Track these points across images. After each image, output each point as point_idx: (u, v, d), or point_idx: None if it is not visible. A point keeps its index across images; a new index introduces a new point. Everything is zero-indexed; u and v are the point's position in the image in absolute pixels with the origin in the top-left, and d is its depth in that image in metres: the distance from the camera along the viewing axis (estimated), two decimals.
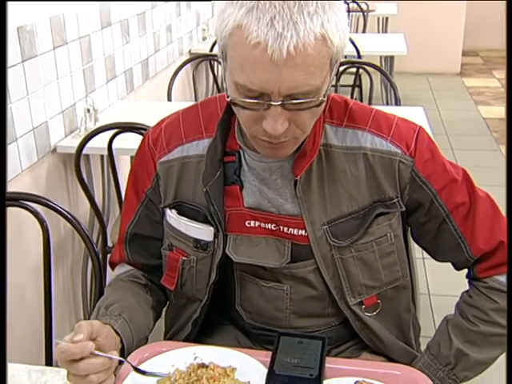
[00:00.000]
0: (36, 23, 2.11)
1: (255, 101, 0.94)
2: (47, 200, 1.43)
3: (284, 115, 0.94)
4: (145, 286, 1.25)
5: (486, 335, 1.14)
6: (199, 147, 1.15)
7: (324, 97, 0.96)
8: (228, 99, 0.98)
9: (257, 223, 1.14)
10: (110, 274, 1.35)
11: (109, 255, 2.25)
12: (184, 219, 1.17)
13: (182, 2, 3.77)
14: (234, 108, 1.01)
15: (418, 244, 1.23)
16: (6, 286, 1.11)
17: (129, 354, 1.08)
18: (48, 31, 2.20)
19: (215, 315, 1.28)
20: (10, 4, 1.95)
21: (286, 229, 1.13)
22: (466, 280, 1.22)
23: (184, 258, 1.18)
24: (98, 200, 2.42)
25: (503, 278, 1.14)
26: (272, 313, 1.19)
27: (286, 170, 1.11)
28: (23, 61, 2.03)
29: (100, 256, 1.45)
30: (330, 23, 0.90)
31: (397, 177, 1.11)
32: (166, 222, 1.20)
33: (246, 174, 1.14)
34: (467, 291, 1.21)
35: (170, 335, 1.28)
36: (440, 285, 2.74)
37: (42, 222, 1.42)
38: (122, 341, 1.06)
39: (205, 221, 1.15)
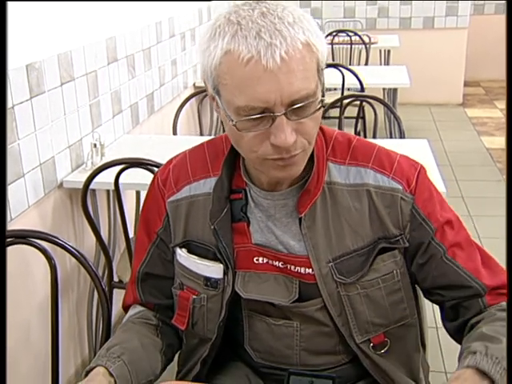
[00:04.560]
0: (44, 60, 2.14)
1: (260, 116, 0.95)
2: (55, 237, 1.42)
3: (290, 126, 0.96)
4: (156, 329, 1.24)
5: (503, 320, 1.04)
6: (206, 186, 1.16)
7: (323, 96, 0.99)
8: (232, 123, 0.97)
9: (265, 260, 1.15)
10: (116, 311, 1.34)
11: (115, 290, 2.27)
12: (194, 257, 1.17)
13: (186, 37, 3.82)
14: (238, 136, 1.00)
15: (422, 289, 1.19)
16: (5, 324, 1.11)
17: None
18: (56, 68, 2.23)
19: (225, 354, 1.27)
20: (19, 41, 1.98)
21: (293, 267, 1.14)
22: None
23: (194, 297, 1.18)
24: (104, 234, 2.42)
25: None
26: (282, 350, 1.19)
27: (291, 208, 1.12)
28: (31, 97, 2.05)
29: (107, 292, 1.44)
30: (310, 31, 0.96)
31: (399, 214, 1.11)
32: (177, 261, 1.20)
33: (253, 211, 1.15)
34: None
35: (181, 376, 1.27)
36: None
37: (49, 259, 1.41)
38: (115, 382, 1.04)
39: (214, 258, 1.15)
